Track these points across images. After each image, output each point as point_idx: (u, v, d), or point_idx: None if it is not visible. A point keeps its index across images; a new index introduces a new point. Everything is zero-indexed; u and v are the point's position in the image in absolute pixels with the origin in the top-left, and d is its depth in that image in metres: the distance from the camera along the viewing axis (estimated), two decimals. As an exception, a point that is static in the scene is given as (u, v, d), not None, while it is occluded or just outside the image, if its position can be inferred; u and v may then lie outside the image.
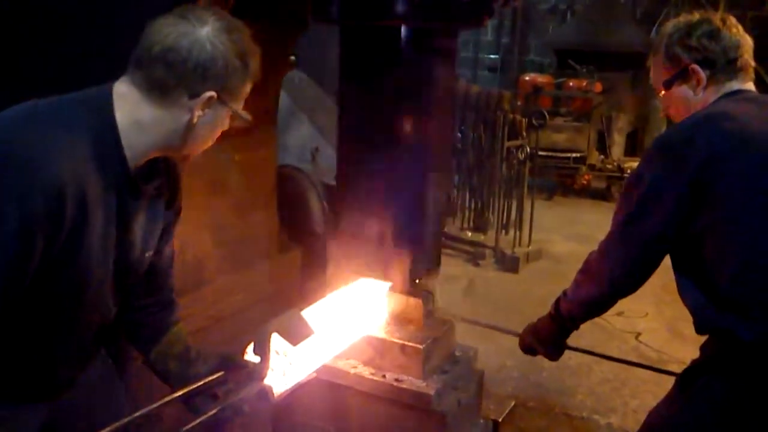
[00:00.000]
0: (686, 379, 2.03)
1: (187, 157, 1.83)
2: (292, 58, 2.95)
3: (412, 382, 2.38)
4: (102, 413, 1.83)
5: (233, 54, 1.65)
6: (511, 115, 6.78)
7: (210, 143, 1.81)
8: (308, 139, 5.15)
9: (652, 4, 11.34)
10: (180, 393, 1.81)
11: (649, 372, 2.93)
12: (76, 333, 1.77)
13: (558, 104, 9.25)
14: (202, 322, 2.79)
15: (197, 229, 2.78)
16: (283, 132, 4.70)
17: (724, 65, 2.03)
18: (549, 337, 2.34)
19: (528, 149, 6.64)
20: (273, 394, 1.81)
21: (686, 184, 1.86)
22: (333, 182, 3.99)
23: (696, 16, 2.09)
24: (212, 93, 1.64)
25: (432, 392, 2.33)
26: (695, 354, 2.07)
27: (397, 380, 2.38)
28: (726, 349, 1.90)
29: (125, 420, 1.62)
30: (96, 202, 1.58)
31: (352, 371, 2.44)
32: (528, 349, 2.43)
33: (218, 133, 1.80)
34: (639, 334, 4.94)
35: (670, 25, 2.12)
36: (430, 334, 2.46)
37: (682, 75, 2.06)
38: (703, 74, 2.03)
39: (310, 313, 2.13)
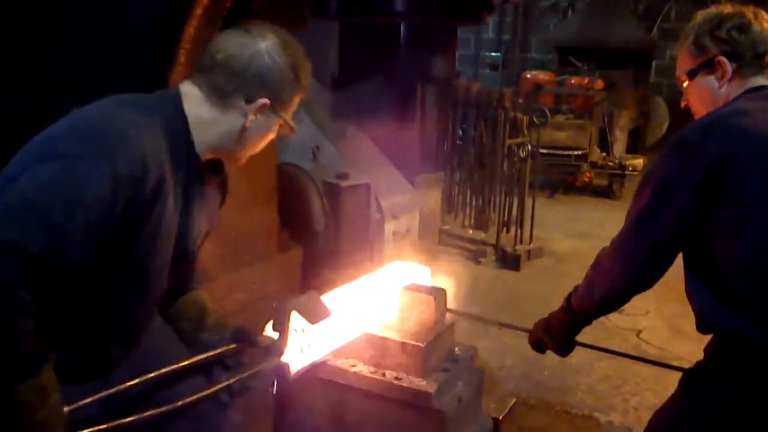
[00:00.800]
0: (690, 380, 2.02)
1: (236, 160, 1.98)
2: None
3: (412, 380, 2.37)
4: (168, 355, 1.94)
5: (288, 67, 1.84)
6: (512, 113, 6.78)
7: (258, 149, 1.97)
8: (308, 137, 5.14)
9: (654, 1, 11.34)
10: (189, 361, 1.89)
11: (649, 369, 2.93)
12: (132, 312, 1.87)
13: (559, 101, 9.26)
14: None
15: (197, 227, 2.77)
16: (284, 130, 4.69)
17: (751, 59, 1.99)
18: (560, 332, 2.31)
19: (529, 147, 6.64)
20: (290, 370, 1.89)
21: (700, 180, 1.83)
22: (334, 180, 3.99)
23: (728, 8, 2.06)
24: (266, 100, 1.82)
25: (432, 390, 2.33)
26: (696, 351, 2.06)
27: (397, 378, 2.38)
28: (731, 350, 1.89)
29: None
30: (170, 181, 1.73)
31: (352, 369, 2.44)
32: (537, 344, 2.40)
33: (267, 141, 1.96)
34: (640, 331, 4.94)
35: (701, 15, 2.08)
36: (431, 332, 2.45)
37: (708, 66, 2.03)
38: (729, 66, 2.00)
39: (331, 297, 2.19)
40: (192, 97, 1.83)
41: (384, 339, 2.43)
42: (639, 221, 1.98)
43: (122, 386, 1.73)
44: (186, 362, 1.88)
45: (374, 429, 2.46)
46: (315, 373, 2.28)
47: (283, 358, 1.90)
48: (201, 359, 1.90)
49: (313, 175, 3.99)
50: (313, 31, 2.84)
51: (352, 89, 2.14)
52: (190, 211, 1.88)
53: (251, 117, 1.84)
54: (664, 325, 5.03)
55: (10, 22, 2.60)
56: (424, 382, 2.36)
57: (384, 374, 2.40)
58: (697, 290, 1.97)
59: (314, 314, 1.94)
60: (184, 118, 1.81)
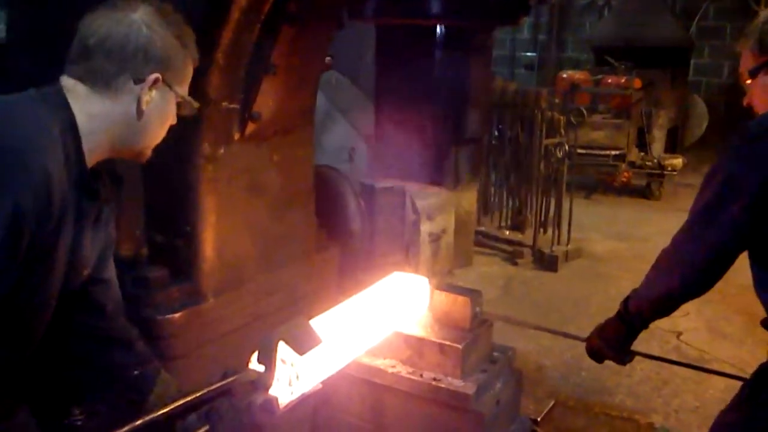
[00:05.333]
0: (757, 384, 1.97)
1: (141, 155, 1.77)
2: (329, 58, 2.96)
3: (451, 381, 2.37)
4: None
5: (171, 34, 1.66)
6: (549, 113, 6.73)
7: (161, 135, 1.77)
8: (345, 139, 5.17)
9: (692, -1, 11.20)
10: (180, 402, 1.67)
11: (690, 371, 2.90)
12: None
13: (596, 101, 9.16)
14: (241, 320, 2.82)
15: (236, 228, 2.81)
16: (320, 132, 4.72)
17: None
18: (616, 338, 2.25)
19: (566, 147, 6.59)
20: (278, 405, 1.71)
21: (765, 177, 1.81)
22: (369, 182, 4.00)
23: None
24: (157, 74, 1.64)
25: (470, 392, 2.32)
26: (737, 353, 2.03)
27: (435, 379, 2.38)
28: None
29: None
30: (69, 201, 1.54)
31: (390, 370, 2.44)
32: (595, 353, 2.34)
33: (168, 124, 1.77)
34: (680, 333, 4.87)
35: (764, 14, 2.05)
36: (469, 333, 2.45)
37: None
38: None
39: (323, 320, 2.07)
40: (75, 92, 1.61)
41: (421, 340, 2.43)
42: (702, 215, 1.94)
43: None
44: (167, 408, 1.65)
45: (411, 430, 2.46)
46: (352, 372, 2.27)
47: (271, 392, 1.72)
48: (188, 401, 1.68)
49: (350, 177, 4.01)
50: (350, 33, 2.85)
51: (388, 94, 2.15)
52: (82, 231, 1.66)
53: (146, 97, 1.65)
54: (704, 327, 4.96)
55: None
56: (462, 384, 2.36)
57: (422, 375, 2.40)
58: (765, 285, 1.93)
59: (303, 344, 1.77)
60: (75, 124, 1.58)
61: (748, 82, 2.07)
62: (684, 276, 1.99)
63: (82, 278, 1.75)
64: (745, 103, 2.15)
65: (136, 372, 1.92)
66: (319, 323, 2.01)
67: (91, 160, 1.62)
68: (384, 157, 2.12)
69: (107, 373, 1.93)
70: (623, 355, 2.28)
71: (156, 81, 1.65)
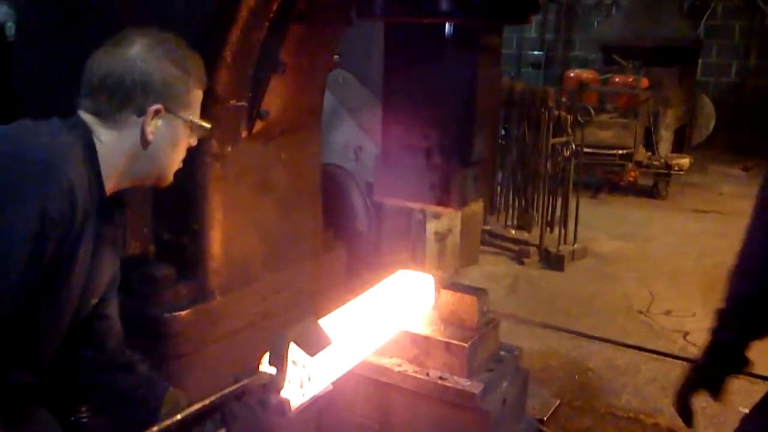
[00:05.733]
0: None
1: (160, 180, 1.86)
2: (337, 57, 2.96)
3: (457, 380, 2.37)
4: None
5: (170, 63, 1.73)
6: (555, 112, 6.72)
7: (178, 160, 1.85)
8: (352, 138, 5.16)
9: (700, -2, 11.17)
10: (194, 408, 1.67)
11: (697, 372, 2.87)
12: (10, 379, 1.67)
13: (604, 100, 9.14)
14: (248, 318, 2.83)
15: (243, 226, 2.81)
16: (327, 131, 4.72)
17: None
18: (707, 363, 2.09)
19: (573, 146, 6.58)
20: (290, 406, 1.72)
21: None
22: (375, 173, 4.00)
23: None
24: (158, 105, 1.71)
25: (476, 391, 2.32)
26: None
27: (441, 378, 2.37)
28: None
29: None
30: (90, 219, 1.61)
31: (396, 369, 2.44)
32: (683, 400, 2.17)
33: (182, 148, 1.83)
34: (687, 333, 4.86)
35: None
36: (475, 333, 2.45)
37: None
38: None
39: (332, 320, 2.08)
40: (90, 126, 1.71)
41: (428, 338, 2.43)
42: (750, 236, 1.92)
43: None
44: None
45: (418, 428, 2.46)
46: (358, 371, 2.27)
47: (283, 393, 1.72)
48: (201, 407, 1.67)
49: (356, 176, 4.01)
50: (358, 32, 2.85)
51: (396, 95, 2.14)
52: (97, 256, 1.73)
53: (149, 128, 1.73)
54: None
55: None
56: (468, 383, 2.36)
57: (428, 374, 2.40)
58: None
59: (313, 345, 1.78)
60: (95, 149, 1.69)
61: None
62: (753, 269, 1.93)
63: (90, 306, 1.80)
64: None
65: (140, 393, 1.95)
66: (327, 323, 2.01)
67: (107, 186, 1.71)
68: (388, 174, 2.14)
69: (111, 396, 1.98)
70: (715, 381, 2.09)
71: (158, 111, 1.72)
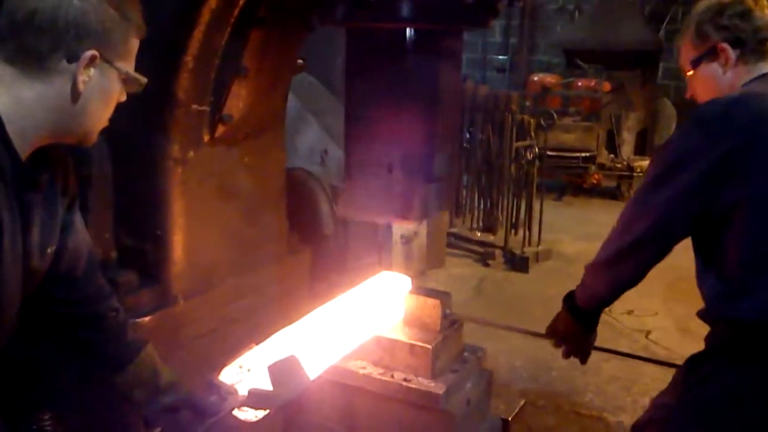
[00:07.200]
0: (691, 367, 2.04)
1: (86, 138, 1.62)
2: (301, 61, 2.97)
3: (421, 382, 2.39)
4: None
5: (107, 5, 1.50)
6: (519, 116, 6.79)
7: (106, 116, 1.62)
8: (317, 141, 5.18)
9: (660, 3, 11.33)
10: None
11: (658, 370, 2.94)
12: None
13: (567, 104, 9.25)
14: (212, 323, 2.81)
15: (206, 231, 2.80)
16: (292, 135, 4.72)
17: (754, 45, 2.02)
18: (571, 321, 2.45)
19: (537, 149, 6.65)
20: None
21: (717, 158, 1.84)
22: (342, 184, 4.01)
23: None
24: (93, 51, 1.48)
25: (441, 392, 2.35)
26: (705, 352, 2.08)
27: (405, 380, 2.39)
28: (735, 337, 1.89)
29: None
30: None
31: (361, 371, 2.46)
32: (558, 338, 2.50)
33: (113, 103, 1.61)
34: (649, 332, 4.94)
35: (702, 5, 2.11)
36: (439, 334, 2.47)
37: (711, 54, 2.06)
38: (732, 53, 2.03)
39: (305, 325, 2.12)
40: (3, 77, 1.45)
41: (393, 341, 2.45)
42: (651, 185, 1.98)
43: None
44: None
45: (383, 430, 2.48)
46: (325, 374, 2.28)
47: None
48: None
49: (322, 179, 4.01)
50: (322, 36, 2.86)
51: (358, 95, 2.16)
52: (29, 224, 1.54)
53: (82, 77, 1.48)
54: (672, 326, 5.02)
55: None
56: (433, 384, 2.38)
57: (393, 376, 2.42)
58: (706, 277, 1.98)
59: (292, 386, 1.78)
60: None
61: (690, 73, 2.14)
62: (630, 232, 2.07)
63: (47, 255, 1.65)
64: (687, 95, 2.21)
65: (109, 348, 1.89)
66: (296, 330, 2.03)
67: (25, 147, 1.48)
68: (352, 190, 2.16)
69: (77, 349, 1.90)
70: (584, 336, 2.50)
71: (93, 58, 1.48)
